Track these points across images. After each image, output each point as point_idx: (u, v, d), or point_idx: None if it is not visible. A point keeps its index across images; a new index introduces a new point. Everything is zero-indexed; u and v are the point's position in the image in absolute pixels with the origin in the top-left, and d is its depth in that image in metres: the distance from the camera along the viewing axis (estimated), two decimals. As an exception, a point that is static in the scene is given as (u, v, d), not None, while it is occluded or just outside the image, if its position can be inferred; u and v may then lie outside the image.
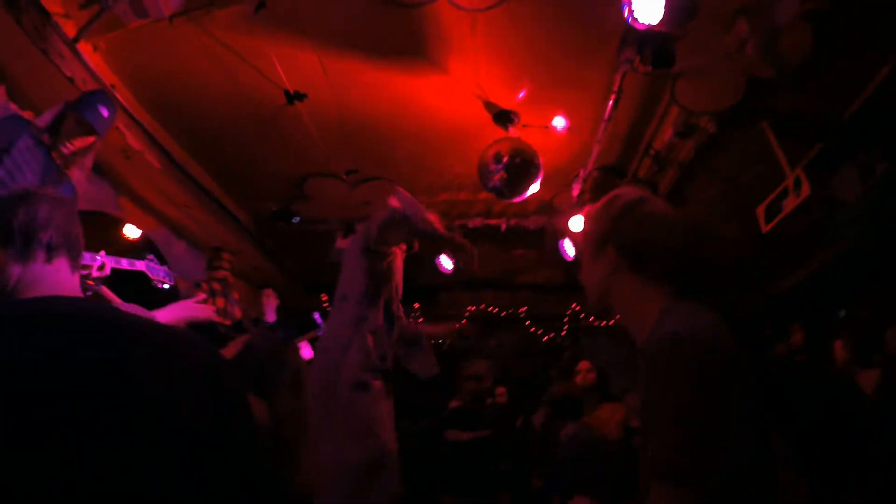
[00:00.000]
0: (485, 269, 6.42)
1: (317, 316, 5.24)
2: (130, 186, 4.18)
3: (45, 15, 2.75)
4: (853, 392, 2.86)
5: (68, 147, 2.34)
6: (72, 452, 0.69)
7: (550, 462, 3.81)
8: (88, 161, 2.46)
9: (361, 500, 2.41)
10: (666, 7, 2.59)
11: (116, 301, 2.83)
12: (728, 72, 3.27)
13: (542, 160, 3.82)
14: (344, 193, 4.93)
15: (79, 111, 2.35)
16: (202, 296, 3.12)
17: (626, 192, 1.40)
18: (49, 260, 1.19)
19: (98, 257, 2.45)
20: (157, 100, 3.77)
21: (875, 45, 2.99)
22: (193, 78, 3.54)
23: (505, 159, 3.75)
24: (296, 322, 5.40)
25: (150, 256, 2.84)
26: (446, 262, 5.37)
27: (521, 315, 7.40)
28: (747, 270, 5.43)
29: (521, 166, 3.78)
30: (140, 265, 2.73)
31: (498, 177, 3.83)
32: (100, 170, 3.78)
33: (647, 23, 2.68)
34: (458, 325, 3.37)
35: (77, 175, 2.40)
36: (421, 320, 7.12)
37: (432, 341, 3.21)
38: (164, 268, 2.90)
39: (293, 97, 3.62)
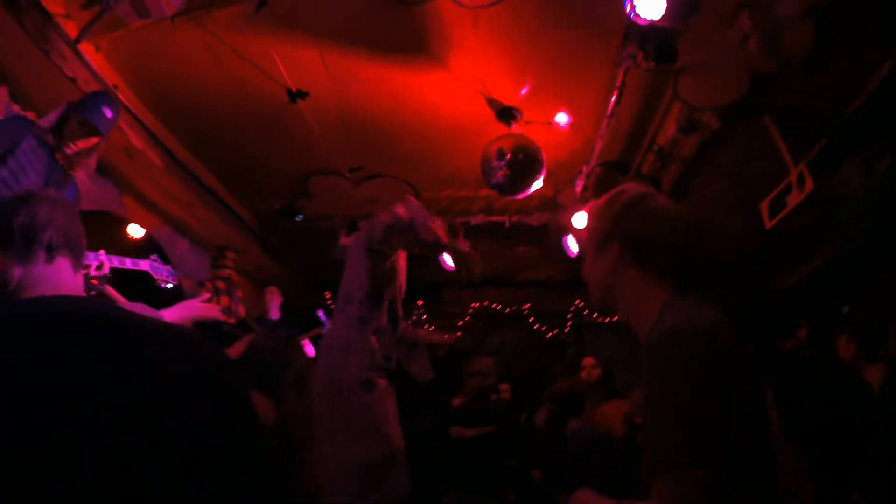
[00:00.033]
0: (488, 266, 6.43)
1: (320, 314, 5.25)
2: (134, 185, 4.19)
3: (47, 16, 2.75)
4: (860, 388, 2.85)
5: (72, 148, 2.34)
6: (72, 452, 0.69)
7: (555, 458, 3.82)
8: (92, 161, 2.47)
9: (370, 499, 2.41)
10: (668, 2, 2.59)
11: (121, 300, 2.84)
12: (731, 67, 3.25)
13: (544, 156, 3.81)
14: (347, 191, 4.93)
15: (82, 112, 2.35)
16: (207, 295, 3.13)
17: (631, 188, 1.40)
18: (50, 260, 1.19)
19: (95, 256, 2.45)
20: (160, 99, 3.77)
21: (878, 40, 2.97)
22: (195, 77, 3.54)
23: (508, 156, 3.75)
24: (299, 320, 5.41)
25: (154, 256, 2.84)
26: (449, 260, 5.37)
27: (525, 312, 7.40)
28: (750, 266, 5.41)
29: (524, 163, 3.77)
30: (144, 265, 2.73)
31: (501, 173, 3.82)
32: (103, 169, 3.79)
33: (649, 18, 2.67)
34: (451, 336, 3.37)
35: (81, 175, 2.41)
36: (427, 327, 7.14)
37: (428, 347, 3.21)
38: (168, 267, 2.90)
39: (295, 95, 3.62)
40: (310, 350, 4.66)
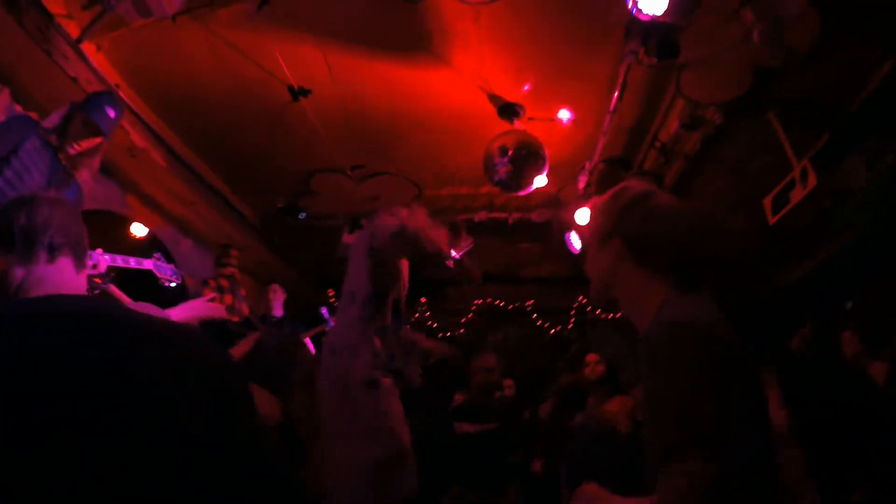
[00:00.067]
0: (490, 262, 6.43)
1: (324, 311, 5.25)
2: (137, 185, 4.20)
3: (48, 16, 2.76)
4: (865, 386, 2.85)
5: (75, 148, 2.35)
6: (72, 452, 0.69)
7: (558, 451, 3.82)
8: (96, 161, 2.47)
9: (377, 498, 2.41)
10: (670, -2, 2.58)
11: (125, 299, 2.85)
12: (734, 62, 3.24)
13: (547, 153, 3.80)
14: (350, 188, 4.93)
15: (85, 112, 2.36)
16: (213, 294, 3.13)
17: (634, 184, 1.41)
18: (52, 260, 1.20)
19: (89, 255, 2.45)
20: (162, 98, 3.78)
21: (882, 34, 2.96)
22: (197, 76, 3.54)
23: (511, 152, 3.74)
24: (303, 317, 5.42)
25: (158, 255, 2.85)
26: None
27: (528, 308, 7.40)
28: (754, 262, 5.40)
29: (527, 159, 3.77)
30: (147, 264, 2.73)
31: (504, 170, 3.82)
32: (106, 169, 3.80)
33: (651, 13, 2.66)
34: (447, 348, 3.38)
35: (85, 175, 2.42)
36: (430, 324, 7.13)
37: (422, 353, 3.20)
38: (172, 266, 2.90)
39: (297, 93, 3.62)
40: (310, 348, 4.67)
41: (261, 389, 1.32)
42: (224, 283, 4.33)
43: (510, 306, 7.38)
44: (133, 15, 2.76)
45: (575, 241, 4.79)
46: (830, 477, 2.14)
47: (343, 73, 3.52)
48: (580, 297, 7.13)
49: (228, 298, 4.24)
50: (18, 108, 2.91)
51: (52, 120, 2.34)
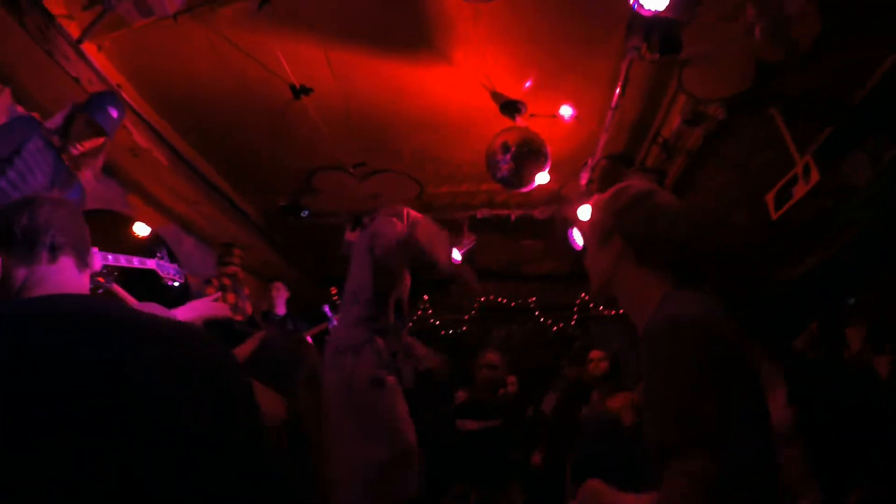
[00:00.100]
0: (493, 259, 6.43)
1: (326, 308, 5.26)
2: (139, 184, 4.21)
3: (49, 17, 2.76)
4: (872, 386, 2.84)
5: (78, 148, 2.35)
6: (71, 452, 0.69)
7: (563, 446, 3.82)
8: (99, 161, 2.48)
9: (383, 497, 2.41)
10: (672, -7, 2.57)
11: (129, 299, 2.85)
12: (736, 57, 3.23)
13: (549, 150, 3.80)
14: (352, 186, 4.93)
15: (88, 112, 2.36)
16: (217, 294, 3.13)
17: (635, 183, 1.42)
18: (53, 260, 1.20)
19: (96, 255, 2.46)
20: (164, 98, 3.78)
21: (884, 29, 2.94)
22: (199, 75, 3.54)
23: (513, 149, 3.74)
24: (306, 315, 5.43)
25: (160, 254, 2.85)
26: (455, 254, 5.37)
27: (531, 305, 7.40)
28: (756, 258, 5.39)
29: (529, 156, 3.76)
30: (150, 263, 2.74)
31: (506, 167, 3.81)
32: (108, 168, 3.81)
33: (652, 9, 2.65)
34: (438, 359, 3.38)
35: (88, 175, 2.42)
36: (432, 321, 7.12)
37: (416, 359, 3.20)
38: (175, 265, 2.91)
39: (299, 91, 3.62)
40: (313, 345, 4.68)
41: (266, 388, 1.32)
42: (227, 281, 4.35)
43: (513, 303, 7.38)
44: (134, 15, 2.76)
45: (577, 238, 4.79)
46: (833, 477, 2.14)
47: (344, 71, 3.52)
48: (583, 294, 7.13)
49: (231, 297, 4.25)
50: (20, 109, 2.92)
51: (55, 120, 2.35)
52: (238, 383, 0.92)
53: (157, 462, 0.73)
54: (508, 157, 3.75)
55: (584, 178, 4.54)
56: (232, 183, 4.98)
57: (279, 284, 5.20)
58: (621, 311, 6.97)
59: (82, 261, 1.28)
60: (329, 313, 5.21)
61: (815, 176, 3.37)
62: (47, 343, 0.78)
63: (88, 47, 3.05)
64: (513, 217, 5.43)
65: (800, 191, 3.52)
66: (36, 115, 2.62)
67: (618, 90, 3.45)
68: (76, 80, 2.95)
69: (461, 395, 4.56)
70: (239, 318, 4.18)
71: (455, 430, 3.84)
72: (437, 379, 3.78)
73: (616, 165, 4.63)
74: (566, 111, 3.87)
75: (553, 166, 3.90)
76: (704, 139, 4.00)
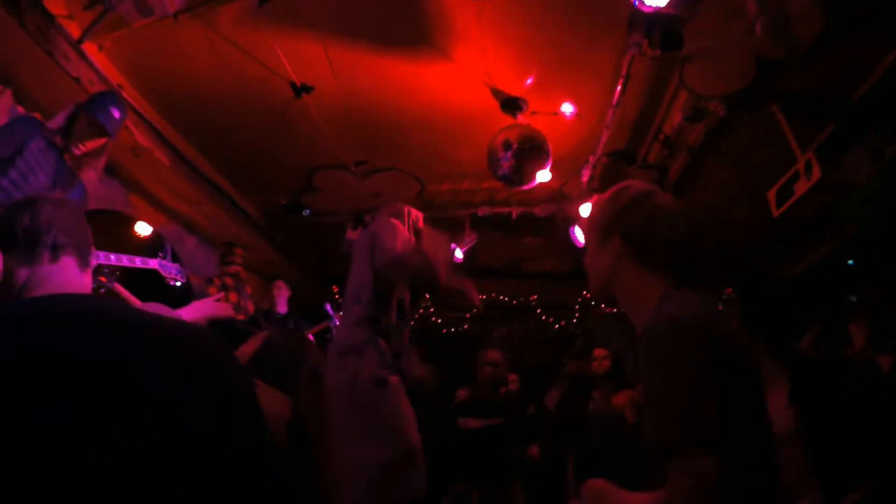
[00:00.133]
0: (494, 257, 6.43)
1: (328, 307, 5.26)
2: (140, 184, 4.21)
3: (49, 17, 2.76)
4: (873, 381, 2.84)
5: (80, 148, 2.35)
6: (72, 453, 0.69)
7: (566, 441, 3.82)
8: (101, 161, 2.48)
9: (386, 497, 2.41)
10: (673, -11, 2.56)
11: (131, 298, 2.86)
12: (737, 54, 3.22)
13: (550, 147, 3.79)
14: (353, 185, 4.93)
15: (90, 112, 2.36)
16: (220, 294, 3.13)
17: (635, 184, 1.43)
18: (55, 260, 1.21)
19: (99, 255, 2.46)
20: (165, 97, 3.78)
21: (886, 26, 2.94)
22: (200, 74, 3.54)
23: (514, 146, 3.73)
24: (308, 314, 5.43)
25: (162, 254, 2.86)
26: (456, 252, 5.37)
27: (533, 303, 7.40)
28: (756, 257, 5.39)
29: (531, 153, 3.76)
30: (153, 263, 2.75)
31: (507, 164, 3.81)
32: (110, 168, 3.80)
33: (654, 5, 2.65)
34: (425, 371, 3.38)
35: (91, 175, 2.43)
36: (434, 320, 7.11)
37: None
38: (177, 265, 2.92)
39: (300, 90, 3.61)
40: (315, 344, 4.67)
41: (270, 387, 1.33)
42: (229, 281, 4.35)
43: (514, 301, 7.38)
44: (134, 14, 2.76)
45: (579, 236, 4.78)
46: (834, 476, 2.14)
47: (345, 68, 3.51)
48: (584, 292, 7.13)
49: (234, 296, 4.26)
50: (21, 110, 2.92)
51: (57, 121, 2.35)
52: (241, 384, 0.92)
53: (159, 462, 0.72)
54: (510, 154, 3.75)
55: (585, 176, 4.54)
56: (233, 182, 4.98)
57: (280, 283, 5.21)
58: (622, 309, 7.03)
59: (84, 261, 1.28)
60: (331, 312, 5.21)
61: (816, 173, 3.37)
62: (49, 343, 0.77)
63: (89, 47, 3.05)
64: (514, 215, 5.43)
65: (801, 187, 3.52)
66: (37, 115, 2.62)
67: (619, 87, 3.45)
68: (77, 80, 2.95)
69: (462, 394, 4.56)
70: (241, 317, 4.19)
71: (456, 428, 3.84)
72: (423, 389, 3.78)
73: (617, 162, 4.63)
74: (567, 108, 3.87)
75: (554, 163, 3.89)
76: (706, 136, 3.99)
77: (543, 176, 3.92)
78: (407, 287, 3.00)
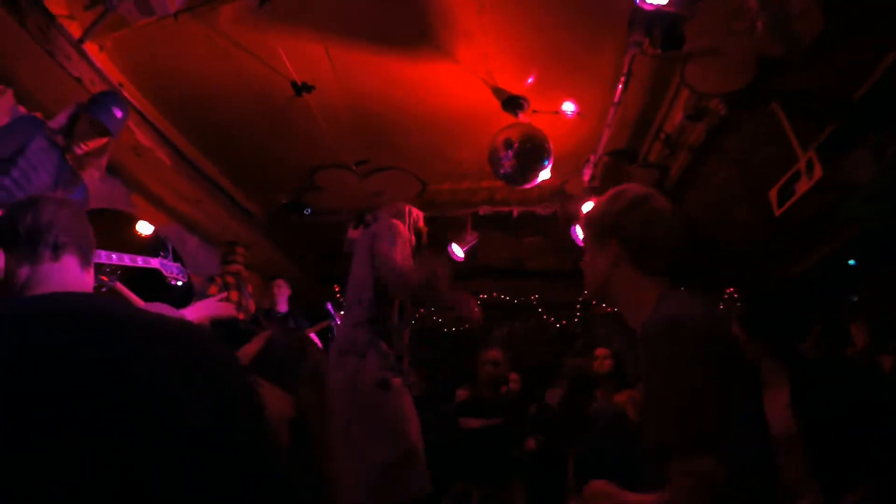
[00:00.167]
0: (495, 256, 6.43)
1: (329, 306, 5.26)
2: (142, 183, 4.21)
3: (50, 17, 2.76)
4: (875, 381, 2.83)
5: (82, 148, 2.36)
6: (72, 453, 0.69)
7: (567, 438, 3.81)
8: (103, 161, 2.48)
9: (387, 497, 2.41)
10: (674, -12, 2.56)
11: (133, 297, 2.86)
12: (738, 52, 3.22)
13: (551, 146, 3.79)
14: (354, 184, 4.93)
15: (92, 112, 2.36)
16: (224, 294, 3.13)
17: (632, 187, 1.44)
18: (56, 258, 1.21)
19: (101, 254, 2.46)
20: (166, 97, 3.78)
21: (887, 25, 2.93)
22: (201, 74, 3.54)
23: (515, 145, 3.73)
24: (309, 313, 5.43)
25: (164, 253, 2.86)
26: (458, 251, 5.38)
27: (534, 302, 7.40)
28: (757, 256, 5.38)
29: (532, 152, 3.75)
30: (154, 262, 2.75)
31: (509, 163, 3.80)
32: (111, 167, 3.81)
33: (655, 4, 2.65)
34: (415, 378, 3.36)
35: (94, 175, 2.43)
36: (435, 318, 7.10)
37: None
38: (178, 264, 2.92)
39: (301, 89, 3.61)
40: (318, 343, 4.67)
41: (273, 386, 1.33)
42: (230, 280, 4.35)
43: (515, 300, 7.38)
44: (135, 14, 2.76)
45: (580, 235, 4.78)
46: (834, 477, 2.14)
47: (346, 67, 3.51)
48: (585, 291, 7.10)
49: (235, 295, 4.26)
50: (22, 110, 2.92)
51: (59, 120, 2.35)
52: (241, 384, 0.92)
53: (159, 462, 0.72)
54: (511, 153, 3.74)
55: (586, 175, 4.54)
56: (234, 181, 4.99)
57: (280, 282, 5.20)
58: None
59: (86, 260, 1.28)
60: (332, 311, 5.21)
61: (818, 172, 3.36)
62: (49, 342, 0.77)
63: (90, 47, 3.05)
64: (515, 214, 5.43)
65: (802, 187, 3.51)
66: (38, 115, 2.62)
67: (620, 86, 3.45)
68: (78, 79, 2.95)
69: (461, 394, 4.56)
70: (242, 316, 4.19)
71: (457, 427, 3.84)
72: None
73: (619, 161, 4.62)
74: (569, 107, 3.87)
75: (555, 162, 3.89)
76: (707, 134, 3.99)
77: (545, 175, 3.92)
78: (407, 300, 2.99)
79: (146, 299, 2.86)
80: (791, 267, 5.48)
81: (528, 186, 4.04)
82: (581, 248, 1.51)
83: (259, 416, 0.90)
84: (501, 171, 3.87)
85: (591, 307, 7.25)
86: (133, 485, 0.70)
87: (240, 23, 3.11)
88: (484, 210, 5.36)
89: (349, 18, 3.15)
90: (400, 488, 2.46)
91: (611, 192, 1.46)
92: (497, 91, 3.77)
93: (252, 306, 4.47)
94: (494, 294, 7.32)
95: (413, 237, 3.01)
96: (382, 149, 4.50)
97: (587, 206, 4.48)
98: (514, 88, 3.75)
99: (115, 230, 4.18)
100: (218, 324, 1.86)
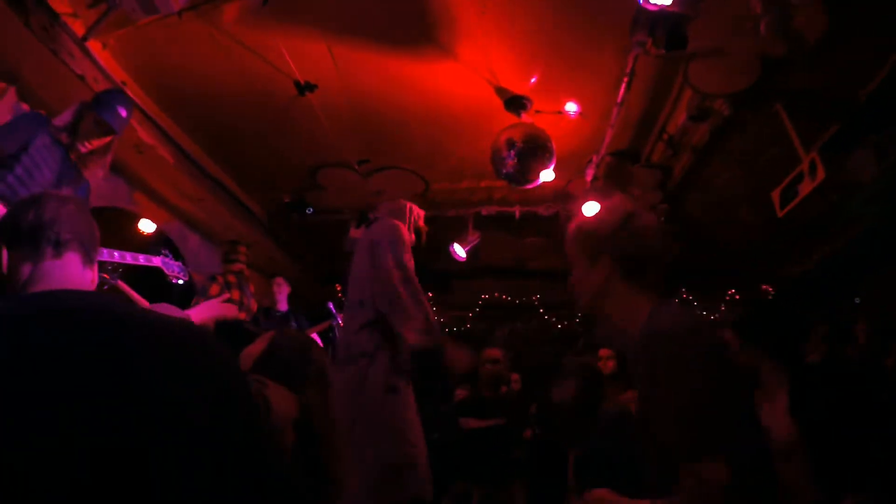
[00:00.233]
0: (497, 256, 6.42)
1: (331, 306, 5.26)
2: (144, 181, 4.22)
3: (53, 15, 2.77)
4: (877, 377, 2.83)
5: (86, 146, 2.36)
6: (72, 453, 0.68)
7: (569, 436, 3.80)
8: (108, 159, 2.48)
9: (388, 497, 2.40)
10: (678, -12, 2.56)
11: (134, 296, 2.86)
12: (742, 53, 3.21)
13: (554, 146, 3.79)
14: (356, 183, 4.93)
15: (97, 111, 2.37)
16: (227, 295, 3.12)
17: (621, 203, 1.48)
18: (58, 255, 1.21)
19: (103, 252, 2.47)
20: (169, 95, 3.78)
21: (890, 26, 2.92)
22: (204, 72, 3.54)
23: (518, 145, 3.72)
24: (311, 313, 5.42)
25: (166, 251, 2.86)
26: (459, 251, 5.37)
27: (535, 302, 7.39)
28: (760, 256, 5.38)
29: (535, 152, 3.75)
30: (156, 261, 2.76)
31: (511, 163, 3.80)
32: (114, 165, 3.80)
33: (658, 4, 2.64)
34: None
35: (98, 173, 2.43)
36: (437, 317, 7.09)
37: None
38: (179, 263, 2.92)
39: (304, 88, 3.61)
40: (319, 343, 4.67)
41: (278, 386, 1.33)
42: (231, 279, 4.35)
43: (517, 300, 7.37)
44: (138, 12, 2.76)
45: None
46: (834, 478, 2.13)
47: (349, 67, 3.51)
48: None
49: (236, 294, 4.25)
50: (25, 107, 2.92)
51: (64, 118, 2.35)
52: (241, 384, 0.92)
53: (159, 462, 0.72)
54: (513, 153, 3.74)
55: (589, 175, 4.53)
56: (236, 180, 4.99)
57: (280, 280, 5.18)
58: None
59: (88, 257, 1.28)
60: (333, 310, 5.20)
61: (821, 173, 3.36)
62: (48, 342, 0.77)
63: (93, 45, 3.06)
64: (517, 214, 5.42)
65: (805, 188, 3.50)
66: (42, 112, 2.62)
67: (623, 86, 3.44)
68: (81, 77, 2.96)
69: (460, 393, 4.55)
70: (243, 315, 4.19)
71: (457, 427, 3.83)
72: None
73: (621, 162, 4.62)
74: (571, 107, 3.86)
75: (558, 162, 3.88)
76: (710, 135, 3.99)
77: (547, 175, 3.91)
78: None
79: (147, 297, 2.87)
80: (794, 267, 5.48)
81: (530, 187, 4.04)
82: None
83: (259, 417, 0.90)
84: (504, 171, 3.87)
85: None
86: (133, 484, 0.70)
87: (243, 21, 3.11)
88: (487, 210, 5.35)
89: (352, 18, 3.15)
90: (399, 489, 2.46)
91: (599, 210, 1.51)
92: (500, 91, 3.76)
93: (254, 305, 4.47)
94: (496, 294, 7.32)
95: (413, 237, 2.98)
96: (385, 148, 4.50)
97: (589, 207, 4.47)
98: (516, 88, 3.75)
99: (116, 228, 4.19)
100: (222, 324, 1.86)
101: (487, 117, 3.95)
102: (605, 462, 2.85)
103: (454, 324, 7.47)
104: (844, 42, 2.99)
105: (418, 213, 3.11)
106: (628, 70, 3.32)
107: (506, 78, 3.65)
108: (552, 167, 3.86)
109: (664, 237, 1.42)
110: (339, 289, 6.57)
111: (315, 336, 4.84)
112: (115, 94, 2.50)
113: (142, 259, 2.63)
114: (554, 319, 7.43)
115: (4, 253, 1.24)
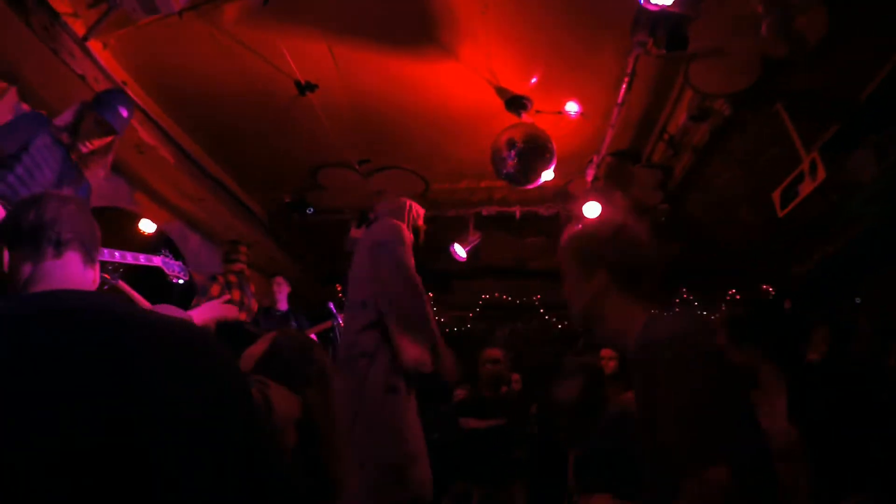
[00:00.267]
0: (497, 256, 6.43)
1: (331, 306, 5.25)
2: (145, 181, 4.22)
3: (54, 15, 2.77)
4: (879, 376, 2.82)
5: (87, 146, 2.36)
6: (72, 452, 0.68)
7: (571, 434, 3.79)
8: (109, 159, 2.49)
9: (388, 497, 2.40)
10: (679, -12, 2.56)
11: (135, 295, 2.86)
12: (742, 53, 3.21)
13: (555, 146, 3.78)
14: (357, 183, 4.93)
15: (98, 111, 2.37)
16: (228, 295, 3.12)
17: (612, 215, 1.52)
18: (58, 255, 1.21)
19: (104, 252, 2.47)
20: (169, 95, 3.78)
21: (890, 27, 2.92)
22: (204, 72, 3.54)
23: (518, 145, 3.72)
24: (312, 313, 5.42)
25: (166, 251, 2.87)
26: (460, 251, 5.37)
27: (536, 302, 7.39)
28: (761, 257, 5.37)
29: (535, 152, 3.74)
30: (157, 261, 2.76)
31: (512, 163, 3.79)
32: (114, 165, 3.81)
33: (659, 4, 2.64)
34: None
35: (99, 173, 2.43)
36: (437, 318, 7.08)
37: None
38: (179, 263, 2.93)
39: (304, 88, 3.61)
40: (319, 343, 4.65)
41: (279, 387, 1.33)
42: (232, 278, 4.35)
43: (517, 301, 7.37)
44: (139, 12, 2.76)
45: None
46: (835, 479, 2.13)
47: (349, 67, 3.51)
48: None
49: (237, 294, 4.26)
50: (26, 107, 2.93)
51: (64, 118, 2.35)
52: (241, 385, 0.92)
53: (159, 462, 0.72)
54: (514, 153, 3.74)
55: (590, 175, 4.53)
56: (237, 180, 4.99)
57: (280, 279, 5.18)
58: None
59: (89, 256, 1.28)
60: (334, 311, 5.19)
61: (821, 173, 3.35)
62: (49, 342, 0.77)
63: (94, 45, 3.06)
64: (518, 214, 5.42)
65: (806, 188, 3.50)
66: (42, 112, 2.63)
67: (624, 86, 3.44)
68: (82, 77, 2.96)
69: (459, 393, 4.54)
70: (244, 316, 4.19)
71: (457, 427, 3.83)
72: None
73: (622, 162, 4.62)
74: (572, 107, 3.86)
75: (559, 163, 3.88)
76: (711, 135, 3.98)
77: (548, 175, 3.91)
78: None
79: (148, 297, 2.87)
80: (794, 268, 5.47)
81: (530, 187, 4.03)
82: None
83: (259, 417, 0.89)
84: (504, 170, 3.87)
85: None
86: (134, 484, 0.70)
87: (244, 21, 3.11)
88: (487, 210, 5.35)
89: (353, 18, 3.15)
90: (399, 489, 2.46)
91: (591, 224, 1.54)
92: (500, 91, 3.76)
93: (254, 305, 4.47)
94: (496, 294, 7.32)
95: (413, 236, 2.98)
96: (385, 148, 4.50)
97: (590, 207, 4.47)
98: (517, 88, 3.75)
99: (117, 228, 4.19)
100: (223, 325, 1.86)
101: (488, 117, 3.95)
102: (605, 462, 2.86)
103: (454, 324, 7.47)
104: (845, 42, 2.99)
105: (418, 212, 3.10)
106: (629, 70, 3.32)
107: (506, 78, 3.65)
108: (553, 167, 3.86)
109: (658, 246, 1.44)
110: (339, 289, 6.57)
111: (314, 337, 4.83)
112: (115, 94, 2.50)
113: (142, 259, 2.63)
114: (554, 319, 7.43)
115: (5, 253, 1.24)
